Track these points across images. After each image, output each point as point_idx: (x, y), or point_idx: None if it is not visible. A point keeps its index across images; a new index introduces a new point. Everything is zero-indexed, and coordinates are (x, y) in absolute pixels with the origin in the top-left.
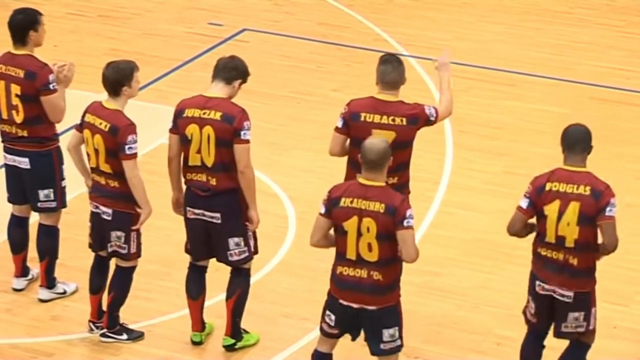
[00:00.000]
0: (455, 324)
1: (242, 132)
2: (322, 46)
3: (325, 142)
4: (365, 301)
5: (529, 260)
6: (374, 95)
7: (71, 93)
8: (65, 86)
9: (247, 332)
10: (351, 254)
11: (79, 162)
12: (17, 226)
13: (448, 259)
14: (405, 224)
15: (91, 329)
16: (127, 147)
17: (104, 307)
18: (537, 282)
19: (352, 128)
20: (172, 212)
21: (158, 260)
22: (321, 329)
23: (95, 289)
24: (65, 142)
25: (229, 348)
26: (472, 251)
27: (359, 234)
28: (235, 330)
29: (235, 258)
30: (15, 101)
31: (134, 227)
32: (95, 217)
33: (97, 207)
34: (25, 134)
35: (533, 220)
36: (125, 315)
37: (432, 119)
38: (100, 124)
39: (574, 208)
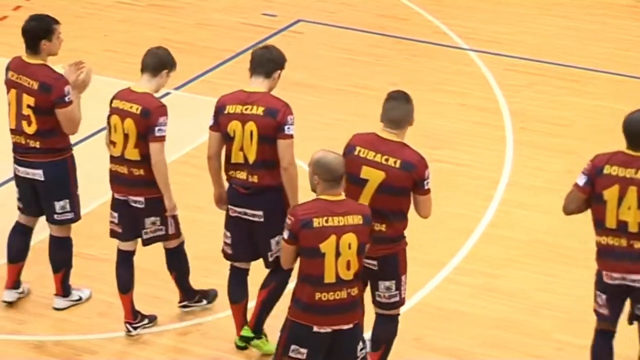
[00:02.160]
0: (513, 328)
1: (285, 127)
2: (379, 38)
3: None
4: (344, 321)
5: (591, 262)
6: (376, 132)
7: (122, 85)
8: (80, 92)
9: (266, 336)
10: (330, 277)
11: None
12: (21, 234)
13: (507, 260)
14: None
15: (129, 331)
16: (157, 128)
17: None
18: (604, 273)
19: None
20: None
21: (205, 257)
22: None
23: (125, 288)
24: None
25: (245, 340)
26: (532, 252)
27: (338, 254)
28: (258, 325)
29: (275, 259)
30: (27, 112)
31: (167, 214)
32: (122, 205)
33: (125, 196)
34: (37, 145)
35: None
36: (174, 314)
37: (426, 184)
38: (131, 107)
39: (632, 192)
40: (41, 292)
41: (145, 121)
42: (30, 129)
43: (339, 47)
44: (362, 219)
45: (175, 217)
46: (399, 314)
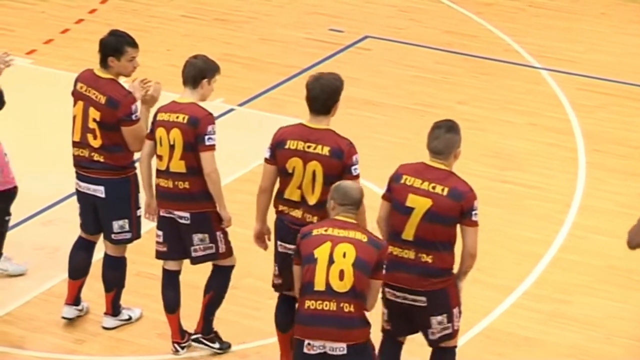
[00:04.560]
0: (585, 356)
1: (206, 137)
2: (448, 56)
3: None
4: (332, 337)
5: None
6: (424, 161)
7: None
8: (150, 106)
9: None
10: (320, 285)
11: (147, 175)
12: (83, 249)
13: (579, 286)
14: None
15: (176, 350)
16: (207, 137)
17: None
18: None
19: (394, 190)
20: None
21: (268, 277)
22: None
23: (172, 307)
24: None
25: None
26: (605, 278)
27: (331, 261)
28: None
29: None
30: (93, 125)
31: (222, 226)
32: (169, 222)
33: (170, 212)
34: (101, 159)
35: None
36: (234, 335)
37: (474, 215)
38: (177, 117)
39: None
40: (100, 311)
41: (194, 130)
42: (95, 142)
43: (407, 64)
44: (367, 239)
45: (225, 235)
46: (455, 346)
